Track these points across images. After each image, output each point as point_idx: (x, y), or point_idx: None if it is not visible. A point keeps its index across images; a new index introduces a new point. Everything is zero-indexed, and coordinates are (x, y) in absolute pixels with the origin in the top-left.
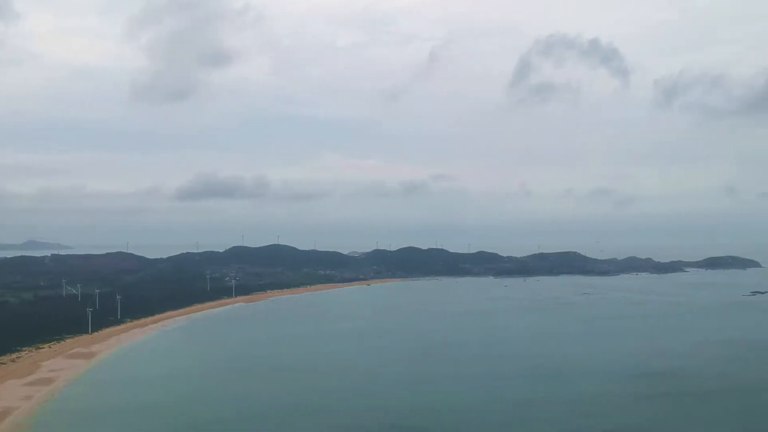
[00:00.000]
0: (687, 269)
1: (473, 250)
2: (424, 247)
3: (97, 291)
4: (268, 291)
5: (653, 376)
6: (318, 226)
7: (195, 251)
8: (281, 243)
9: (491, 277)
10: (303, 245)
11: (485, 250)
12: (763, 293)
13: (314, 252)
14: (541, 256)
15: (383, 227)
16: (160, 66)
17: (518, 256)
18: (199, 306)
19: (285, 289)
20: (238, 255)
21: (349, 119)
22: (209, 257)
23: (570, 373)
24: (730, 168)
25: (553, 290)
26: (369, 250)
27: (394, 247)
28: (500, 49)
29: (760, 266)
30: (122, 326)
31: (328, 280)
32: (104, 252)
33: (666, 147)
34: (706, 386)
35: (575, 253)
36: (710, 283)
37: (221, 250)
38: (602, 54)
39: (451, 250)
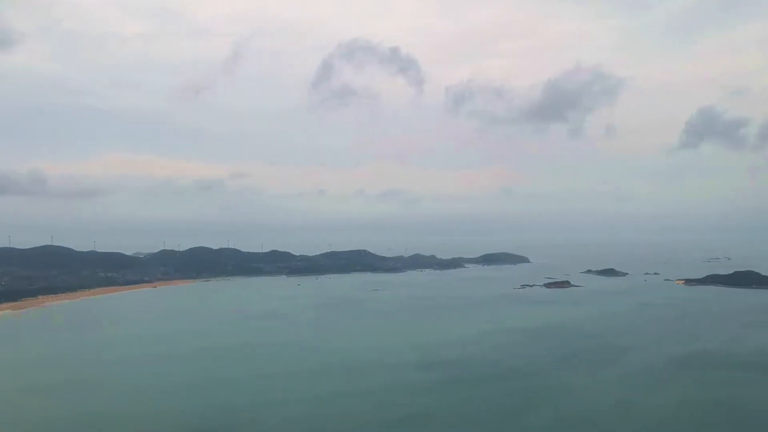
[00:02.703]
0: (466, 265)
1: (266, 250)
2: (216, 247)
3: None
4: (41, 297)
5: (441, 364)
6: (101, 226)
7: None
8: (55, 243)
9: (284, 276)
10: (83, 246)
11: (278, 249)
12: (531, 286)
13: (93, 253)
14: (332, 255)
15: (174, 227)
16: None
17: (310, 254)
18: None
19: (60, 294)
20: (4, 257)
21: (140, 112)
22: None
23: (364, 366)
24: (507, 171)
25: (344, 288)
26: (156, 250)
27: (183, 247)
28: (303, 50)
29: (529, 261)
30: None
31: (110, 283)
32: None
33: (453, 149)
34: (486, 371)
35: (365, 251)
36: (487, 278)
37: None
38: (401, 62)
39: (244, 250)
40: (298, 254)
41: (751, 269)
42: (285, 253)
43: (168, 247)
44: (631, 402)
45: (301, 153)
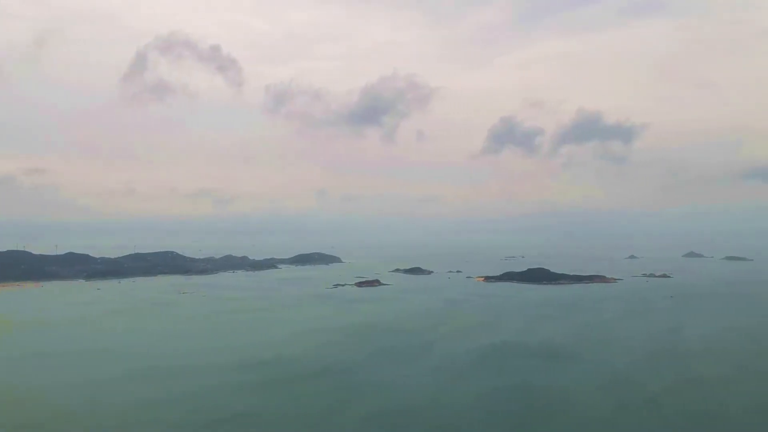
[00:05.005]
0: (279, 266)
1: (62, 251)
2: (2, 249)
3: None
4: None
5: (257, 365)
6: None
7: None
8: None
9: (82, 281)
10: None
11: (75, 252)
12: (343, 285)
13: None
14: (137, 257)
15: None
16: None
17: (113, 257)
18: None
19: None
20: None
21: None
22: None
23: (177, 370)
24: (322, 172)
25: (150, 291)
26: None
27: None
28: (115, 40)
29: (341, 261)
30: None
31: None
32: None
33: (270, 150)
34: (303, 370)
35: (173, 252)
36: (300, 278)
37: None
38: (221, 60)
39: (36, 252)
40: (98, 257)
41: (542, 266)
42: (83, 255)
43: None
44: (440, 391)
45: (108, 149)
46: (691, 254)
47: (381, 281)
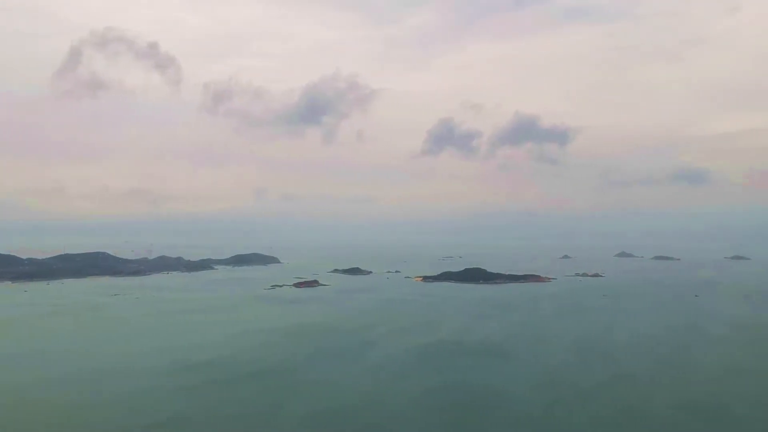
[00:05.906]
0: (215, 267)
1: None
2: None
3: None
4: None
5: (194, 367)
6: None
7: None
8: None
9: (8, 282)
10: None
11: (0, 252)
12: (281, 286)
13: None
14: (66, 257)
15: None
16: None
17: (41, 258)
18: None
19: None
20: None
21: None
22: None
23: (110, 373)
24: (261, 172)
25: (80, 293)
26: None
27: None
28: (47, 33)
29: (279, 262)
30: None
31: None
32: None
33: (207, 149)
34: (240, 371)
35: (104, 253)
36: (237, 279)
37: None
38: (158, 57)
39: None
40: (25, 257)
41: (479, 266)
42: (8, 256)
43: None
44: (379, 391)
45: (38, 146)
46: (622, 254)
47: (320, 282)
